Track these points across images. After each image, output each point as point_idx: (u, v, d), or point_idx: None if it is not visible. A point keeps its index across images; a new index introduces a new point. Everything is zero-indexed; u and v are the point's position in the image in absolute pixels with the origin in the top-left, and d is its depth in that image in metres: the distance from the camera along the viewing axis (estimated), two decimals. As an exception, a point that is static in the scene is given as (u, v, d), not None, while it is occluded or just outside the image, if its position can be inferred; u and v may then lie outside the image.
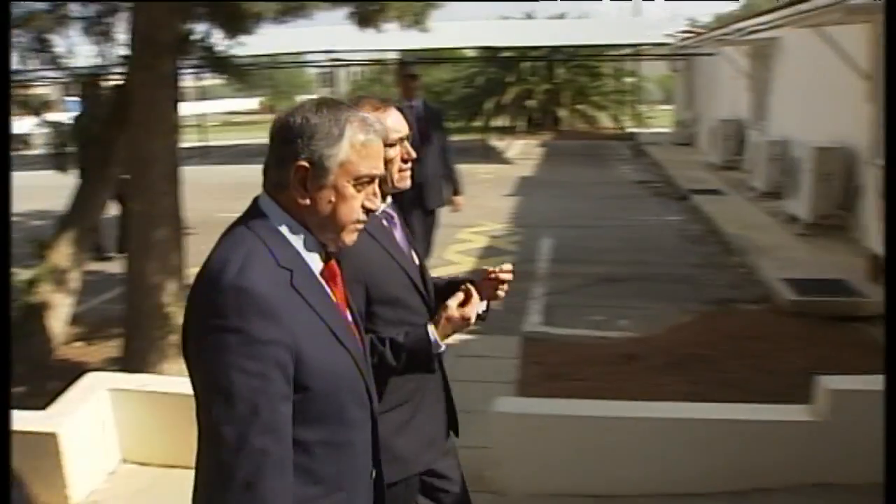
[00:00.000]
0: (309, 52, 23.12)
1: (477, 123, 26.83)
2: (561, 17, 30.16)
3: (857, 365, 5.11)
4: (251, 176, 2.03)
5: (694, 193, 13.00)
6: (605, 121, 28.22)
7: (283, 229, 1.65)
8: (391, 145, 2.23)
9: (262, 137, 2.11)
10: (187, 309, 1.64)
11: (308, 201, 1.64)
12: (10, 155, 4.91)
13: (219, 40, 6.00)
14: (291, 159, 1.61)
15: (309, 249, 1.68)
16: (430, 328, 2.20)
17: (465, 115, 27.28)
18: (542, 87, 26.96)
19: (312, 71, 40.27)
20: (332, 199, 1.64)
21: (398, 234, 2.38)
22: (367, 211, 1.70)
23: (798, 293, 7.02)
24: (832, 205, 9.49)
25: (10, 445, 2.50)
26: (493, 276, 2.34)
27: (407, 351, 2.18)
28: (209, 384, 1.54)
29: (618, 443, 3.90)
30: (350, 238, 1.71)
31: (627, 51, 25.57)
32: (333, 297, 1.75)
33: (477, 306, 2.22)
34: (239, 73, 6.43)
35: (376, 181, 1.72)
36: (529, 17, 29.57)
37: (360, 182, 1.66)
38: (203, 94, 31.99)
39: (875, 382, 4.13)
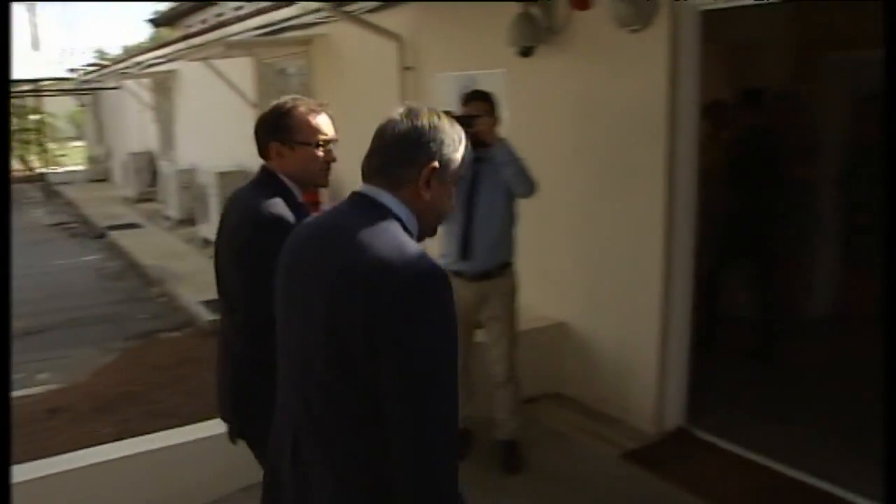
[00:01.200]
0: None
1: None
2: (-60, 50, 27.07)
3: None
4: None
5: (111, 230, 12.81)
6: (11, 163, 26.09)
7: (405, 220, 1.73)
8: (318, 145, 2.45)
9: None
10: (372, 299, 1.55)
11: (429, 196, 1.75)
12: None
13: None
14: (425, 159, 1.73)
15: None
16: None
17: None
18: (-71, 130, 23.80)
19: None
20: (443, 195, 1.79)
21: None
22: None
23: (216, 313, 7.32)
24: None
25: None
26: None
27: None
28: (419, 370, 1.53)
29: (42, 502, 3.70)
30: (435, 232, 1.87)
31: (28, 87, 23.77)
32: None
33: None
34: None
35: None
36: None
37: (456, 183, 1.84)
38: None
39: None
